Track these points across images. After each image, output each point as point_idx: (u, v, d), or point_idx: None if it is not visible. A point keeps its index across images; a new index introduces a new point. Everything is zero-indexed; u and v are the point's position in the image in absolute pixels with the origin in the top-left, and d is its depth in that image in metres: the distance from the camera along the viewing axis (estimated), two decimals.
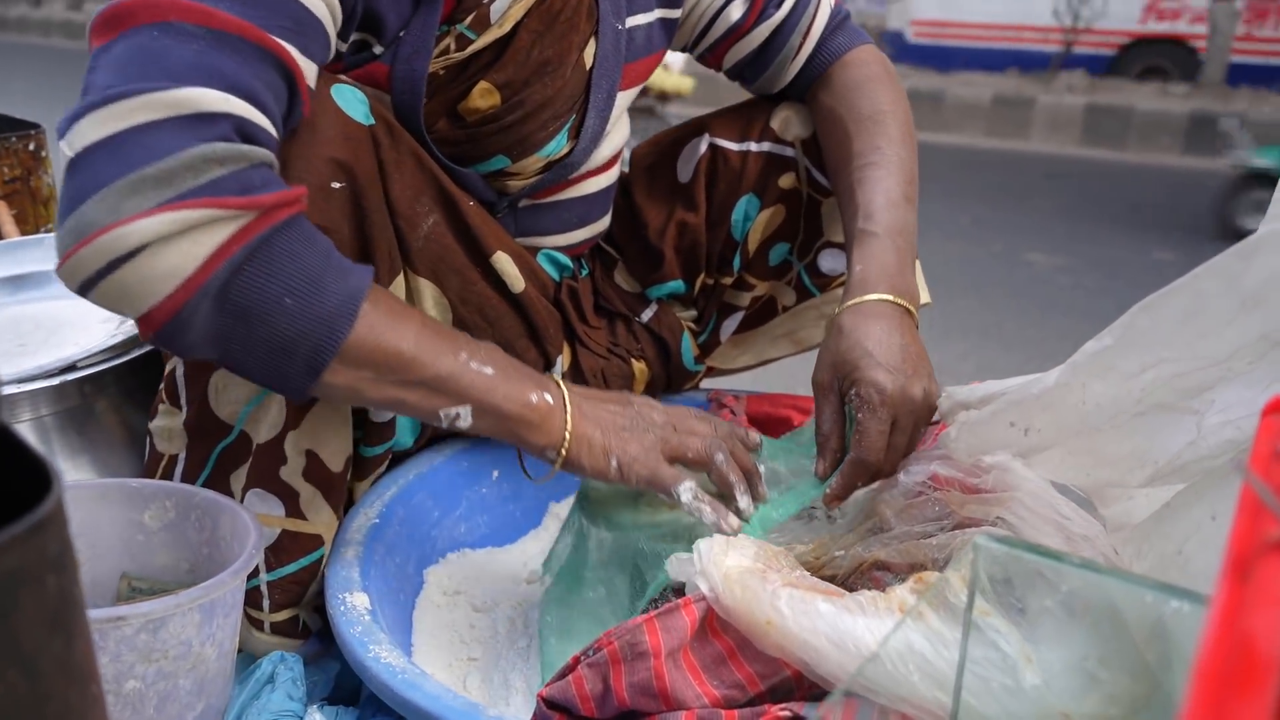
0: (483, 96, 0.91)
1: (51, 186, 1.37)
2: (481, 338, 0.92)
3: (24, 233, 1.31)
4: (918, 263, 1.03)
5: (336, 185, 0.77)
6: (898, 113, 1.01)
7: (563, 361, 1.03)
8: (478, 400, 0.74)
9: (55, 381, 0.86)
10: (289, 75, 0.71)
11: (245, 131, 0.66)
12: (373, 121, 0.81)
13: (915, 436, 0.84)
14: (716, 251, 1.08)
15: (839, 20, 1.09)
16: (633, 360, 1.09)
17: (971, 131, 8.49)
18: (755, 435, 0.87)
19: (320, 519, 0.86)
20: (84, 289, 0.63)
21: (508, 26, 0.90)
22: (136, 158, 0.61)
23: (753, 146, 1.05)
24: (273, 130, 0.69)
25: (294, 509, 0.84)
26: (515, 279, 0.94)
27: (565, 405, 0.78)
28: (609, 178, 1.06)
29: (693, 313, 1.13)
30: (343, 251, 0.77)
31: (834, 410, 0.84)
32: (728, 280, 1.09)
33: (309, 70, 0.74)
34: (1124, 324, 0.65)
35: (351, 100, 0.79)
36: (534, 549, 1.06)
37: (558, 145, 0.97)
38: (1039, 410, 0.72)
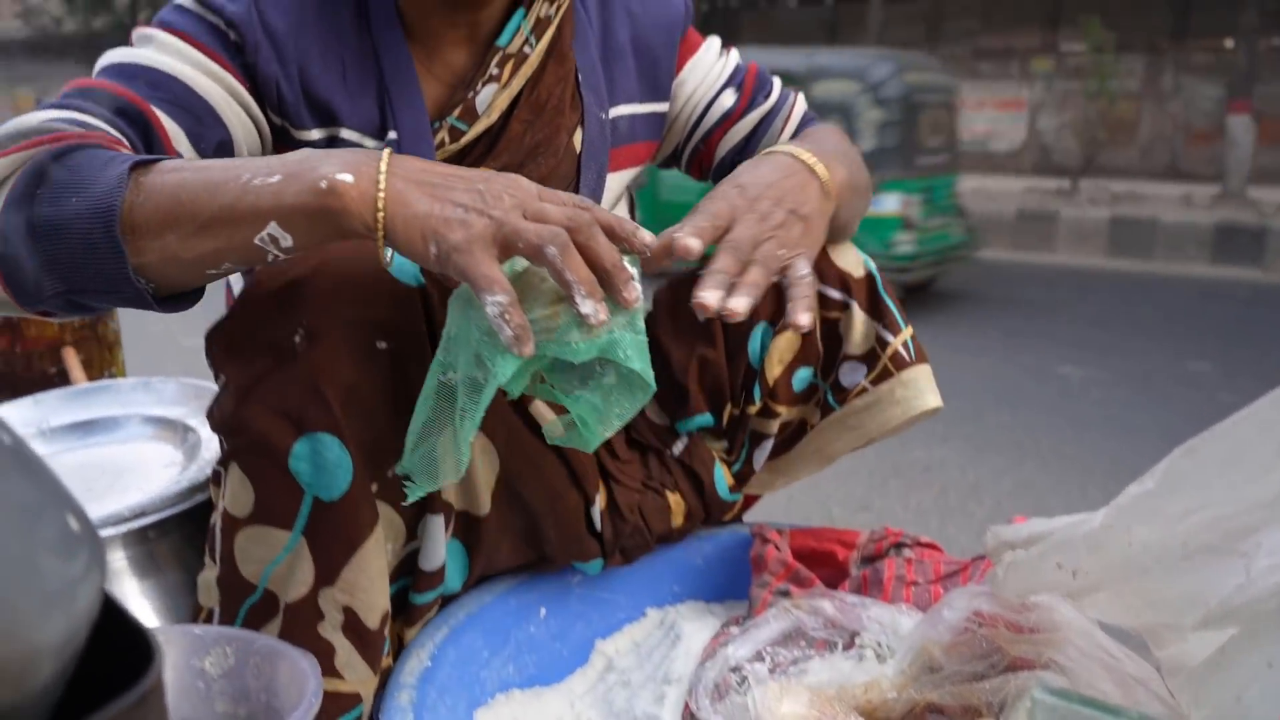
0: None
1: (117, 332, 1.44)
2: (528, 484, 0.93)
3: (90, 378, 1.37)
4: (929, 367, 1.08)
5: (382, 345, 0.79)
6: (842, 140, 1.10)
7: (600, 500, 1.05)
8: (272, 210, 0.69)
9: (125, 529, 0.89)
10: (142, 119, 0.83)
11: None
12: (423, 282, 0.84)
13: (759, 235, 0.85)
14: (738, 383, 1.09)
15: (810, 115, 1.18)
16: (667, 493, 1.10)
17: (997, 245, 8.59)
18: (645, 235, 0.76)
19: (357, 676, 0.84)
20: None
21: (495, 116, 0.97)
22: None
23: None
24: (87, 129, 0.78)
25: (329, 667, 0.83)
26: (552, 429, 0.95)
27: (379, 175, 0.69)
28: None
29: (724, 444, 1.14)
30: (387, 406, 0.80)
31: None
32: (753, 410, 1.10)
33: (174, 131, 0.85)
34: (1165, 468, 0.67)
35: (401, 261, 0.82)
36: (580, 687, 1.06)
37: None
38: (1085, 552, 0.72)
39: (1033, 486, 3.03)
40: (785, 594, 1.01)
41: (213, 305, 0.96)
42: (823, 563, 1.10)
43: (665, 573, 1.14)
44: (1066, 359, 4.63)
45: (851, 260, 1.06)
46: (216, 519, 0.84)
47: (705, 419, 1.10)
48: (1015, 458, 3.32)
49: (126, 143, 0.81)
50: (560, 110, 1.01)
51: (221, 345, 0.82)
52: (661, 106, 1.13)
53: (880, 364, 1.05)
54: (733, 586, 1.16)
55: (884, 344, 1.05)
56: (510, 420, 0.92)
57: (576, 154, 1.03)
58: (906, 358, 1.06)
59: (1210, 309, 6.03)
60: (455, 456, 0.73)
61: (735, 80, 1.15)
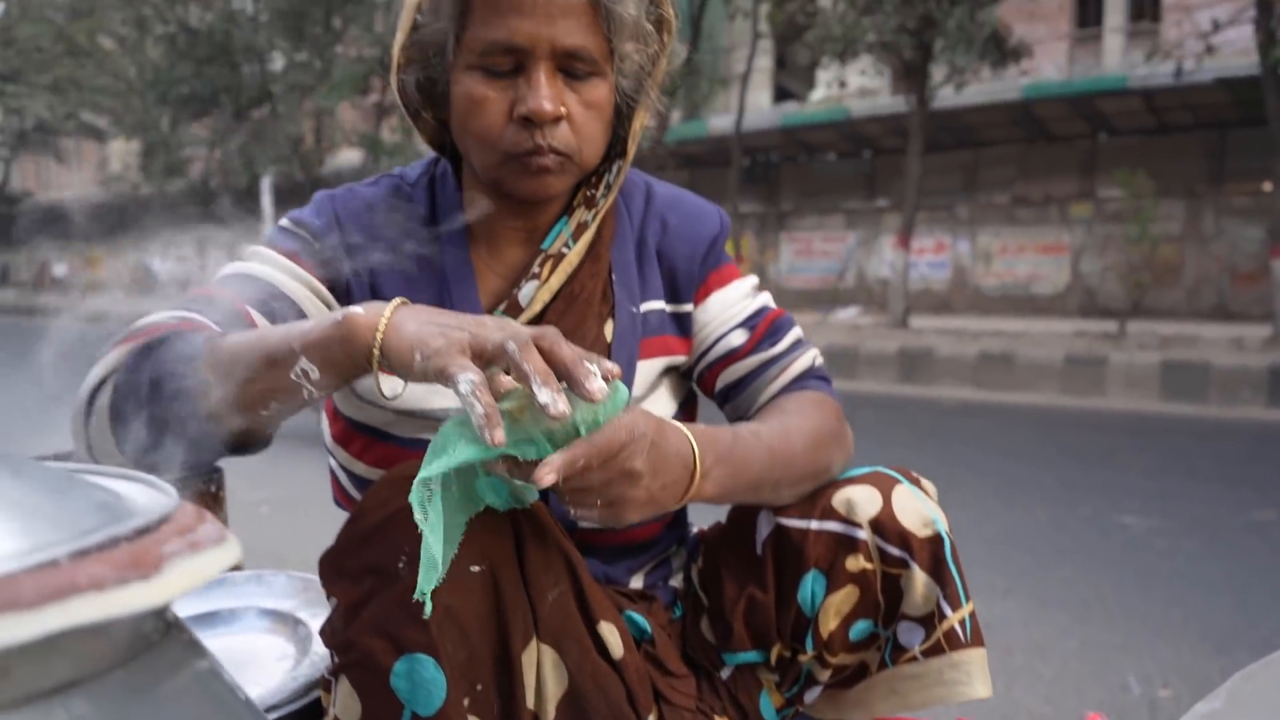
0: None
1: (227, 521, 1.55)
2: (593, 703, 0.97)
3: None
4: (984, 652, 1.05)
5: (475, 569, 0.87)
6: (819, 428, 1.09)
7: (652, 718, 1.05)
8: (302, 346, 0.82)
9: None
10: (228, 305, 1.00)
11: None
12: (513, 506, 0.92)
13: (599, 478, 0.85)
14: (788, 627, 1.08)
15: (817, 372, 1.20)
16: (715, 717, 1.10)
17: (1046, 390, 8.58)
18: (611, 366, 0.83)
19: None
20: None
21: (536, 308, 1.11)
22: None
23: (814, 525, 1.06)
24: (184, 316, 0.96)
25: None
26: (616, 646, 0.99)
27: (383, 311, 0.83)
28: None
29: (775, 676, 1.13)
30: (479, 625, 0.88)
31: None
32: (804, 658, 1.09)
33: (262, 324, 1.01)
34: (1229, 689, 0.71)
35: (492, 489, 0.91)
36: None
37: None
38: None
39: (1100, 645, 2.97)
40: None
41: (326, 521, 1.06)
42: None
43: None
44: (1127, 509, 4.57)
45: (917, 519, 1.04)
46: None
47: (750, 656, 1.11)
48: (1080, 614, 3.26)
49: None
50: (591, 302, 1.13)
51: (332, 568, 0.91)
52: (684, 308, 1.21)
53: (935, 636, 1.03)
54: None
55: (942, 615, 1.03)
56: (583, 641, 0.97)
57: (607, 342, 1.14)
58: (962, 637, 1.04)
59: (1270, 454, 5.94)
60: (432, 555, 0.82)
61: (750, 322, 1.21)
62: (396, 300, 0.86)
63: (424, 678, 0.84)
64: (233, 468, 1.65)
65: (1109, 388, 8.52)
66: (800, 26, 13.69)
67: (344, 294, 1.11)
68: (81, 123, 26.88)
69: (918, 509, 1.05)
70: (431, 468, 0.80)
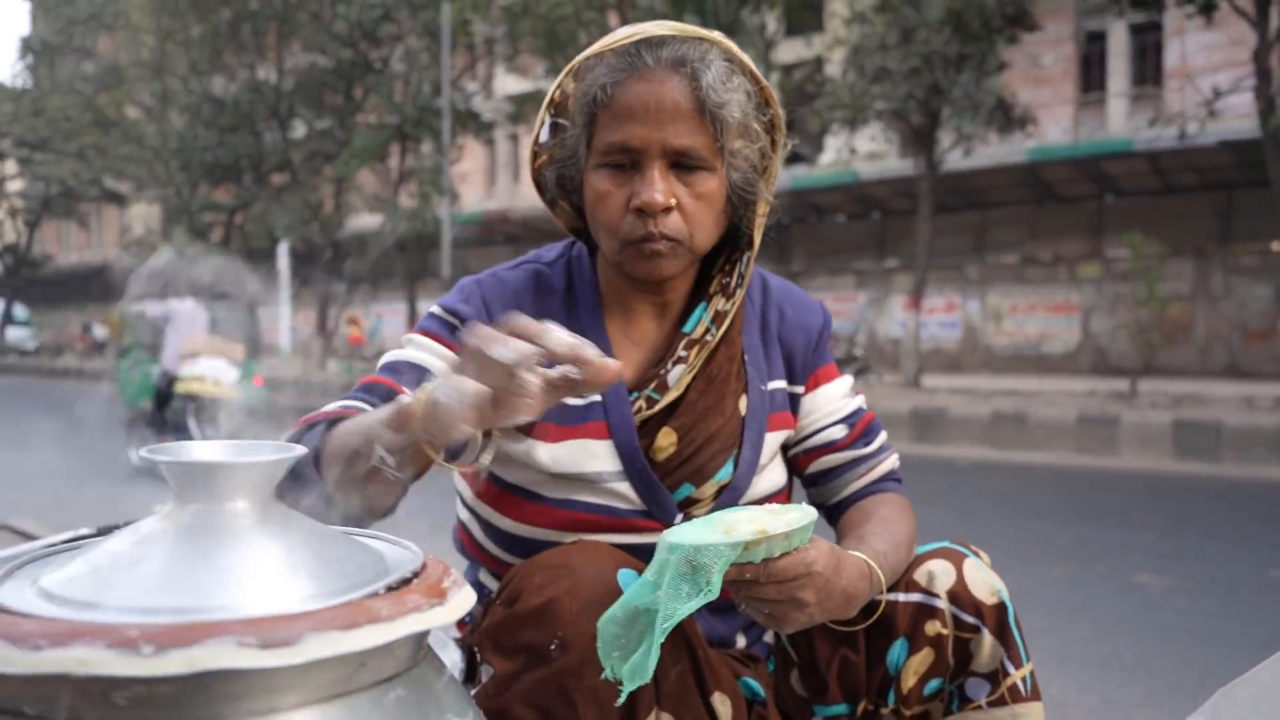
0: (665, 438, 1.22)
1: None
2: None
3: None
4: (1041, 705, 1.18)
5: (616, 655, 0.98)
6: (911, 534, 1.25)
7: None
8: (370, 436, 0.93)
9: None
10: (389, 391, 1.14)
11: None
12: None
13: (783, 609, 0.99)
14: (875, 685, 1.21)
15: (896, 474, 1.35)
16: None
17: (1060, 449, 8.65)
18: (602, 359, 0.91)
19: None
20: None
21: (682, 388, 1.23)
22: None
23: (900, 597, 1.19)
24: (350, 405, 1.11)
25: None
26: (725, 716, 1.11)
27: (426, 388, 0.91)
28: None
29: None
30: (610, 702, 0.98)
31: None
32: (886, 710, 1.20)
33: (399, 380, 1.17)
34: (1213, 705, 0.85)
35: (632, 581, 1.02)
36: None
37: (725, 472, 1.23)
38: None
39: (1119, 702, 3.04)
40: None
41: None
42: None
43: None
44: (1143, 567, 4.63)
45: (985, 589, 1.17)
46: None
47: (840, 709, 1.22)
48: (1099, 671, 3.32)
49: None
50: (727, 380, 1.26)
51: (489, 641, 1.04)
52: (797, 389, 1.34)
53: (999, 690, 1.16)
54: None
55: (1005, 672, 1.15)
56: (697, 711, 1.09)
57: (742, 416, 1.27)
58: (1023, 692, 1.16)
59: None
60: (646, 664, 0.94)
61: (850, 420, 1.33)
62: (438, 380, 0.92)
63: None
64: None
65: (1122, 447, 8.59)
66: (808, 95, 14.05)
67: None
68: (104, 188, 27.49)
69: (985, 580, 1.18)
70: (654, 637, 0.91)
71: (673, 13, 13.88)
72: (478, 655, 1.07)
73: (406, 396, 0.89)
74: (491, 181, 28.15)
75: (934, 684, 1.18)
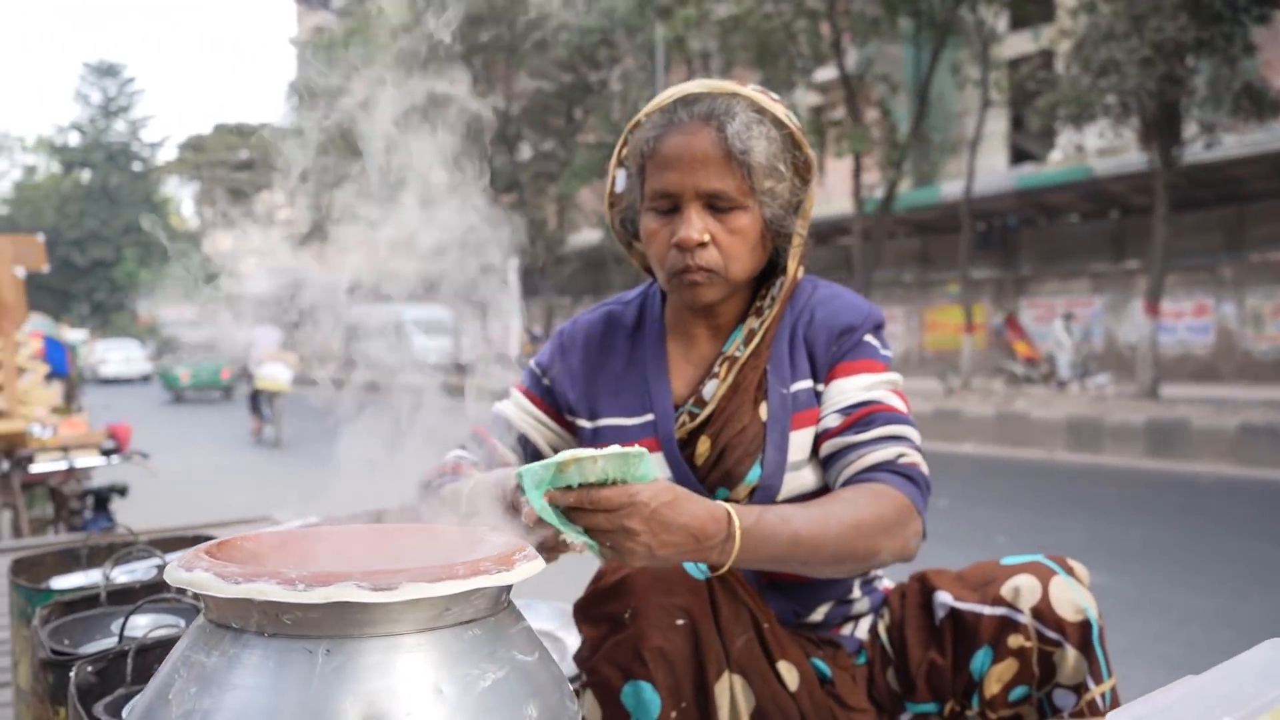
0: (702, 444, 1.38)
1: None
2: (774, 717, 1.26)
3: None
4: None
5: (680, 622, 1.18)
6: (863, 518, 1.21)
7: None
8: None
9: None
10: (481, 439, 1.36)
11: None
12: (709, 575, 1.23)
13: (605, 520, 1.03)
14: (960, 688, 1.30)
15: (897, 467, 1.30)
16: None
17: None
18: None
19: None
20: None
21: (715, 401, 1.39)
22: None
23: (986, 610, 1.28)
24: (460, 457, 1.34)
25: None
26: (792, 681, 1.28)
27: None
28: None
29: None
30: (681, 663, 1.17)
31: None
32: (971, 713, 1.30)
33: (508, 453, 1.42)
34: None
35: (693, 569, 1.22)
36: None
37: (754, 475, 1.35)
38: None
39: None
40: None
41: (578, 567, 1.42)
42: None
43: None
44: None
45: (1070, 607, 1.24)
46: None
47: (929, 707, 1.34)
48: None
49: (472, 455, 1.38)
50: (749, 389, 1.40)
51: (581, 612, 1.26)
52: (820, 386, 1.42)
53: (1081, 703, 1.24)
54: None
55: (1087, 687, 1.23)
56: (765, 675, 1.27)
57: (763, 420, 1.38)
58: (1101, 707, 1.23)
59: None
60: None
61: (848, 409, 1.36)
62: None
63: (644, 697, 1.17)
64: None
65: None
66: (1034, 92, 13.42)
67: (564, 406, 1.47)
68: (357, 214, 30.13)
69: (1071, 599, 1.25)
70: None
71: (886, 17, 13.68)
72: (578, 629, 1.28)
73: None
74: None
75: (1020, 691, 1.26)
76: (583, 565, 1.32)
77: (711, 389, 1.41)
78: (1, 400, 6.22)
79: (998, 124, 20.53)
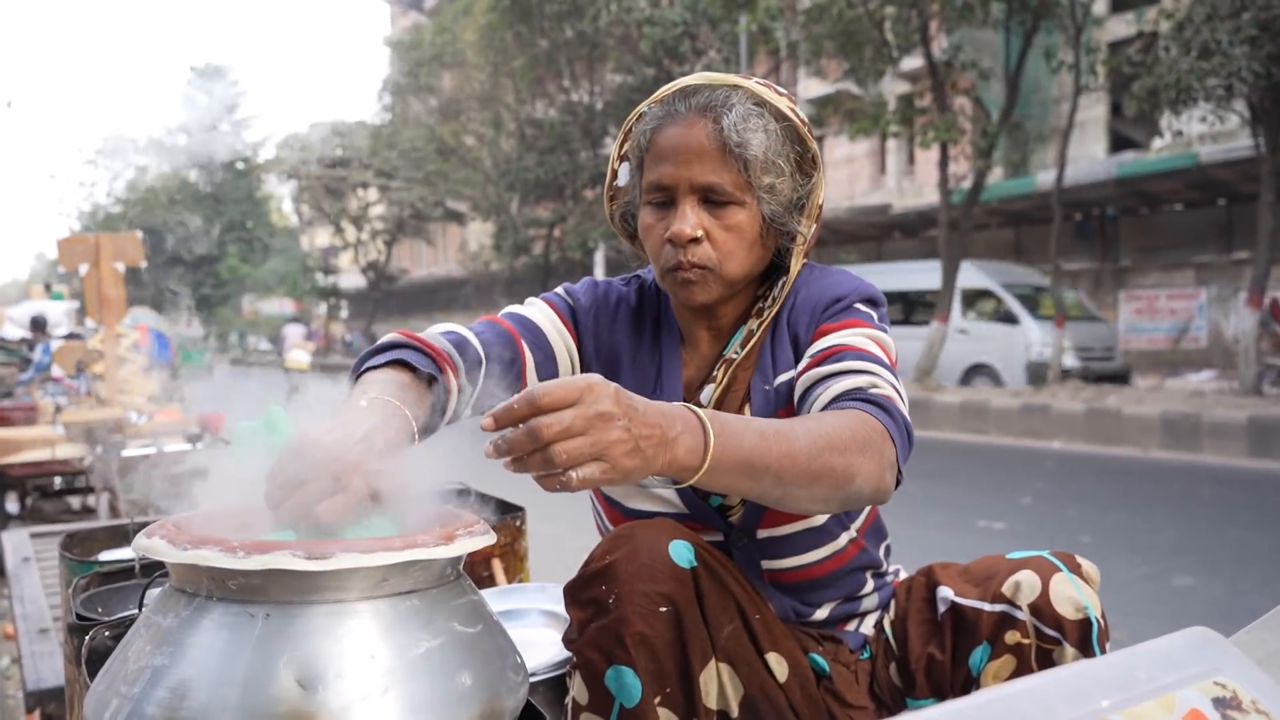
0: None
1: (526, 548, 2.00)
2: (763, 709, 1.26)
3: (508, 580, 1.92)
4: None
5: (663, 609, 1.17)
6: (833, 432, 1.10)
7: None
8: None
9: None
10: (513, 345, 1.32)
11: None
12: (695, 565, 1.21)
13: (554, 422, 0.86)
14: (959, 683, 1.28)
15: (868, 395, 1.21)
16: None
17: None
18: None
19: None
20: None
21: (711, 405, 1.35)
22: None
23: (986, 607, 1.25)
24: (453, 352, 1.24)
25: None
26: (781, 672, 1.27)
27: None
28: (808, 520, 1.33)
29: None
30: (664, 650, 1.16)
31: None
32: None
33: (529, 356, 1.35)
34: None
35: (682, 551, 1.20)
36: None
37: None
38: None
39: None
40: None
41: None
42: None
43: None
44: None
45: (1070, 605, 1.21)
46: (569, 700, 1.25)
47: (928, 702, 1.32)
48: None
49: (480, 348, 1.32)
50: (739, 391, 1.37)
51: (569, 595, 1.26)
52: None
53: None
54: None
55: None
56: (753, 664, 1.27)
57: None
58: None
59: None
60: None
61: (818, 352, 1.29)
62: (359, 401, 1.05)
63: (625, 682, 1.17)
64: (532, 507, 2.11)
65: None
66: (1131, 76, 12.91)
67: (585, 358, 1.45)
68: (446, 209, 30.81)
69: (1072, 596, 1.22)
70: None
71: (978, 1, 13.30)
72: (567, 612, 1.29)
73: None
74: None
75: None
76: None
77: (708, 394, 1.39)
78: (103, 388, 6.58)
79: (1096, 111, 19.80)
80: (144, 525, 1.76)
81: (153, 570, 1.42)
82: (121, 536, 1.72)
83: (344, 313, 42.94)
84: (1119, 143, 20.99)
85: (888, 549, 1.49)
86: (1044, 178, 17.57)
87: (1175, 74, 10.94)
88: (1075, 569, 1.26)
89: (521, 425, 0.84)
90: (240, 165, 45.12)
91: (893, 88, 18.46)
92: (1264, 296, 11.89)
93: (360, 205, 34.73)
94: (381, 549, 0.70)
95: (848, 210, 22.92)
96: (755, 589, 1.35)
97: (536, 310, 1.45)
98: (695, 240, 1.30)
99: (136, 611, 1.18)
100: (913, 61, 17.13)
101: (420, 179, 28.79)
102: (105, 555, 1.62)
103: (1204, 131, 15.27)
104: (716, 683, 1.23)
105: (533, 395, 0.85)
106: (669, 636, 1.19)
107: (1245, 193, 17.23)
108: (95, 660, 1.07)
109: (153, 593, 1.26)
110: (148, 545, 0.71)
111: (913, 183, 23.48)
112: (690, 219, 1.30)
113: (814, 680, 1.33)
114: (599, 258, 21.38)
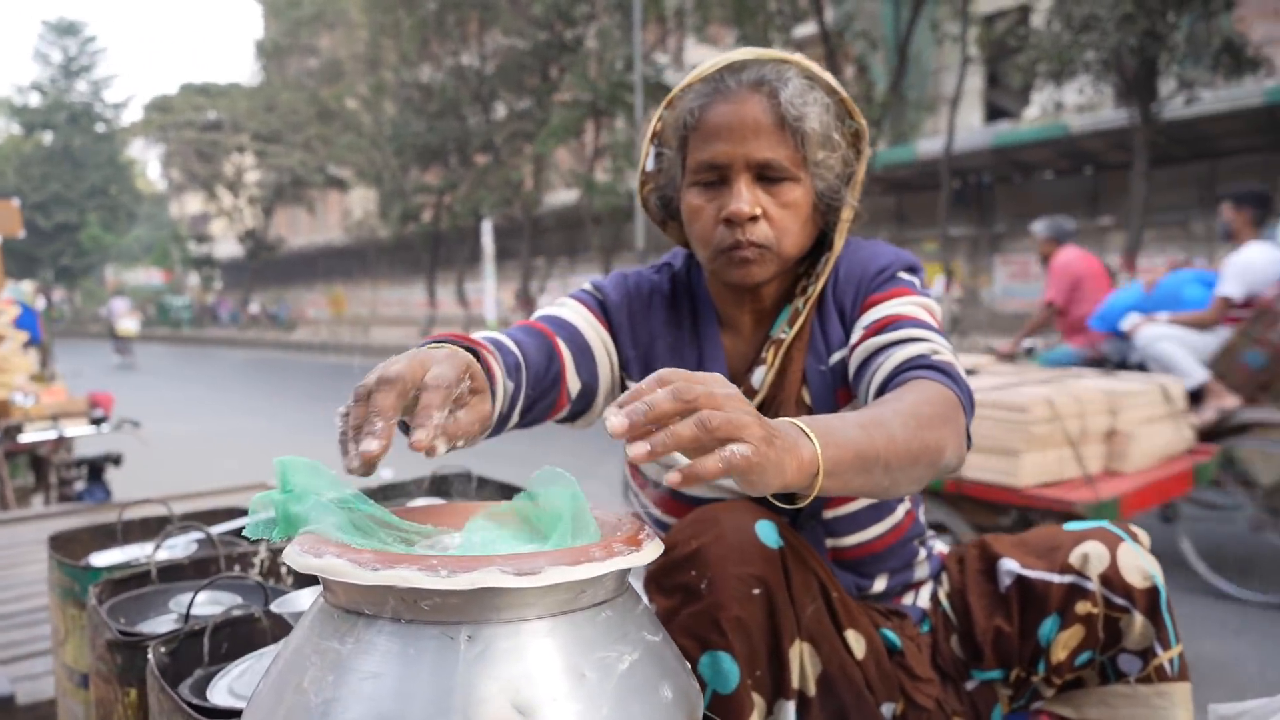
0: None
1: None
2: (839, 685, 1.25)
3: None
4: (1188, 686, 1.23)
5: (756, 592, 1.16)
6: (916, 408, 1.07)
7: (898, 708, 1.31)
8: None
9: None
10: (547, 342, 1.26)
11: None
12: (782, 544, 1.20)
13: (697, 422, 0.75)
14: (1028, 655, 1.29)
15: (929, 361, 1.19)
16: (954, 718, 1.33)
17: None
18: (466, 412, 0.89)
19: None
20: None
21: (766, 389, 1.34)
22: None
23: (1055, 578, 1.26)
24: (494, 349, 1.13)
25: None
26: (859, 649, 1.28)
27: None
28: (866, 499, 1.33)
29: (1010, 692, 1.34)
30: (756, 631, 1.14)
31: None
32: (1037, 679, 1.30)
33: (567, 356, 1.29)
34: None
35: (768, 531, 1.19)
36: None
37: None
38: None
39: None
40: None
41: None
42: None
43: None
44: None
45: (1138, 574, 1.22)
46: None
47: (995, 674, 1.33)
48: None
49: (518, 352, 1.22)
50: (795, 373, 1.35)
51: (654, 582, 1.23)
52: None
53: (1148, 668, 1.23)
54: None
55: (1154, 653, 1.22)
56: (833, 642, 1.26)
57: (808, 405, 1.34)
58: (1169, 672, 1.23)
59: None
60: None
61: (872, 323, 1.28)
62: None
63: (722, 667, 1.15)
64: None
65: None
66: (1011, 48, 13.38)
67: (624, 363, 1.41)
68: (328, 175, 29.77)
69: (1140, 566, 1.24)
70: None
71: None
72: (644, 595, 1.26)
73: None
74: None
75: (1085, 655, 1.27)
76: None
77: (760, 376, 1.36)
78: None
79: (973, 82, 20.46)
80: (132, 524, 1.64)
81: (171, 576, 1.32)
82: (107, 536, 1.59)
83: (218, 283, 41.14)
84: (994, 113, 21.78)
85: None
86: (924, 146, 18.09)
87: (1057, 47, 11.39)
88: (1134, 537, 1.28)
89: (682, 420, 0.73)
90: (101, 128, 42.45)
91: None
92: (1135, 259, 12.57)
93: (235, 170, 33.20)
94: (585, 559, 0.65)
95: None
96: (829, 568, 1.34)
97: (569, 310, 1.40)
98: (753, 219, 1.28)
99: (183, 622, 1.09)
100: (804, 29, 17.35)
101: (300, 143, 27.70)
102: (98, 559, 1.50)
103: (1074, 103, 15.96)
104: (799, 662, 1.23)
105: (662, 376, 0.76)
106: (761, 618, 1.18)
107: (1111, 162, 18.15)
108: (169, 676, 0.99)
109: (199, 600, 1.16)
110: (324, 565, 0.65)
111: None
112: (746, 196, 1.27)
113: (886, 655, 1.33)
114: (487, 226, 21.00)
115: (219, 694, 0.96)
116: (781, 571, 1.20)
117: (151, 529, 1.64)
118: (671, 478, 0.73)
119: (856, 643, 1.29)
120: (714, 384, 0.79)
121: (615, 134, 21.13)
